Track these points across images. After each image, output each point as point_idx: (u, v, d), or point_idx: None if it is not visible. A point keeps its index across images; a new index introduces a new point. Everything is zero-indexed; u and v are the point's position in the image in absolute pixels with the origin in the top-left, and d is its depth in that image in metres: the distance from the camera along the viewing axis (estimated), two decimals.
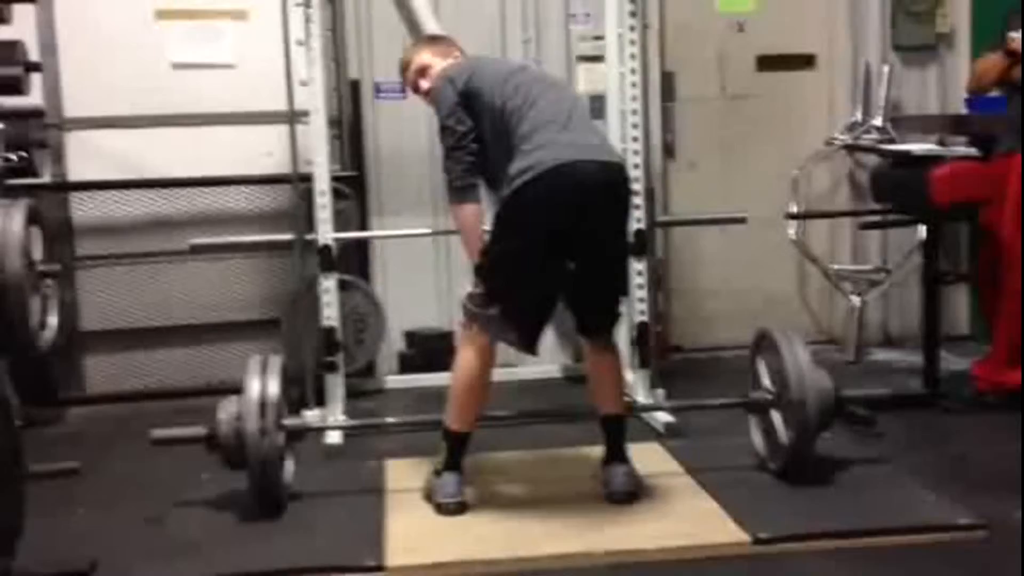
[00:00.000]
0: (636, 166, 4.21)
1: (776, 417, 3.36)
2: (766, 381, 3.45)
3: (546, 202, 3.03)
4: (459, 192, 3.21)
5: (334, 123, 4.79)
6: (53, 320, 3.13)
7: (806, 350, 3.32)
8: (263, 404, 3.13)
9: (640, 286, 4.23)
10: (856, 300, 5.22)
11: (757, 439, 3.50)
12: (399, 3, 4.56)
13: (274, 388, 3.19)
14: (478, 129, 3.19)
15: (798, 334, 3.41)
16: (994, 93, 4.27)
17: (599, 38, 4.73)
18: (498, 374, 4.66)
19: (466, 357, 3.17)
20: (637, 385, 4.25)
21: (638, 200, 4.20)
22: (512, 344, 3.17)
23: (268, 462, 3.12)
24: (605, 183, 3.08)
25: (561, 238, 3.06)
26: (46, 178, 4.54)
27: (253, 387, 3.17)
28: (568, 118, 3.12)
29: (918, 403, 4.18)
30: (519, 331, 3.14)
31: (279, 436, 3.18)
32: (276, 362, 3.28)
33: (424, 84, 3.44)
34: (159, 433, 3.32)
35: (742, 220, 4.51)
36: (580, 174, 3.02)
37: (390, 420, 3.61)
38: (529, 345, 3.19)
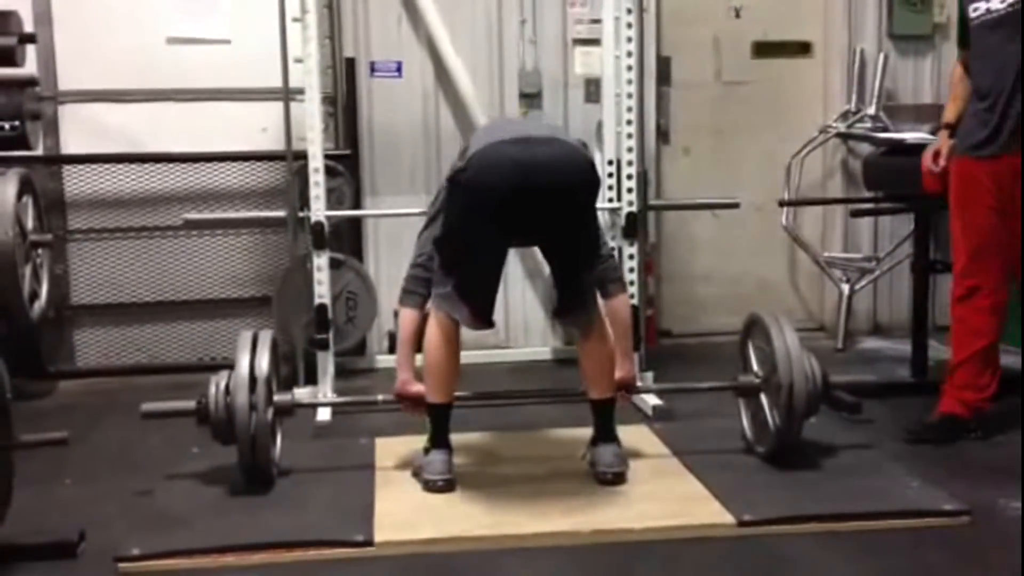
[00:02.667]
0: (630, 150, 4.22)
1: (764, 401, 3.38)
2: (755, 365, 3.47)
3: (479, 188, 2.99)
4: (403, 294, 3.34)
5: (329, 101, 4.79)
6: (44, 291, 3.13)
7: (795, 335, 3.33)
8: (253, 379, 3.14)
9: (631, 270, 4.25)
10: (846, 288, 5.24)
11: (745, 422, 3.52)
12: None
13: (264, 364, 3.20)
14: None
15: (788, 319, 3.43)
16: None
17: (596, 21, 4.73)
18: (489, 355, 4.75)
19: (430, 331, 3.20)
20: None
21: (630, 184, 4.22)
22: (465, 322, 3.16)
23: (257, 437, 3.12)
24: (544, 164, 2.97)
25: (504, 219, 3.02)
26: (39, 150, 4.53)
27: (243, 362, 3.17)
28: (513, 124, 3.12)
29: (905, 391, 4.20)
30: (469, 302, 3.13)
31: (269, 412, 3.19)
32: (266, 338, 3.29)
33: None
34: (149, 406, 3.32)
35: (735, 205, 4.52)
36: (511, 157, 2.96)
37: (380, 398, 3.61)
38: (479, 319, 3.16)
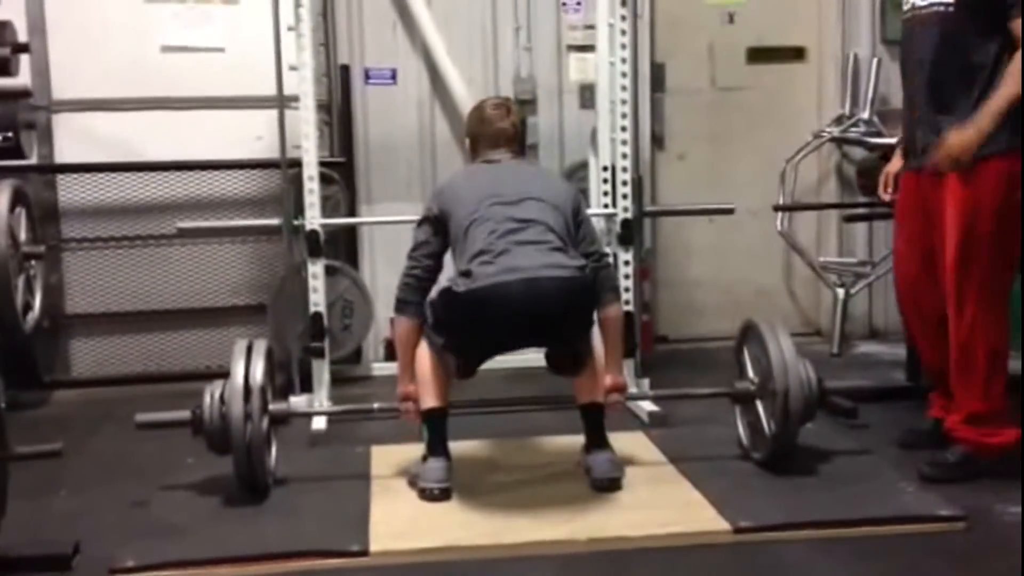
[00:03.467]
0: (625, 156, 4.22)
1: (760, 407, 3.38)
2: (751, 372, 3.47)
3: (477, 318, 3.03)
4: (397, 303, 3.29)
5: (324, 108, 4.79)
6: (38, 302, 3.12)
7: (791, 341, 3.33)
8: (248, 389, 3.14)
9: (627, 276, 4.24)
10: (841, 292, 5.24)
11: (741, 429, 3.52)
12: None
13: (259, 373, 3.19)
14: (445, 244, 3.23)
15: (783, 325, 3.43)
16: None
17: (590, 27, 4.74)
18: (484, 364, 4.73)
19: (419, 352, 3.26)
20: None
21: (625, 190, 4.21)
22: (450, 371, 3.22)
23: (252, 447, 3.12)
24: (543, 301, 3.00)
25: (500, 337, 3.13)
26: (33, 159, 4.53)
27: (238, 371, 3.17)
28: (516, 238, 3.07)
29: (901, 395, 4.20)
30: (458, 363, 3.20)
31: (264, 421, 3.19)
32: (261, 346, 3.28)
33: None
34: (143, 417, 3.32)
35: (729, 211, 4.52)
36: (514, 296, 2.98)
37: (376, 406, 3.60)
38: (465, 376, 3.25)
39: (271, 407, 3.28)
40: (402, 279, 3.29)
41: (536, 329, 3.08)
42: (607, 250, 3.55)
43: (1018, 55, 3.08)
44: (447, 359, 3.20)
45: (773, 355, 3.29)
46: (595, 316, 3.25)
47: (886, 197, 3.61)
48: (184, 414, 3.22)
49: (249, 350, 3.24)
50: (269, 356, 3.30)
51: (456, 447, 3.32)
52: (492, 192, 3.17)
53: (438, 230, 3.23)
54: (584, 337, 3.24)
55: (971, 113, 3.16)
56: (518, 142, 3.42)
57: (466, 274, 3.01)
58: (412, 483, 3.25)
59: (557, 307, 3.02)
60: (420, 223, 3.31)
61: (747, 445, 3.49)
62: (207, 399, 3.18)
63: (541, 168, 3.20)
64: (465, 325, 3.08)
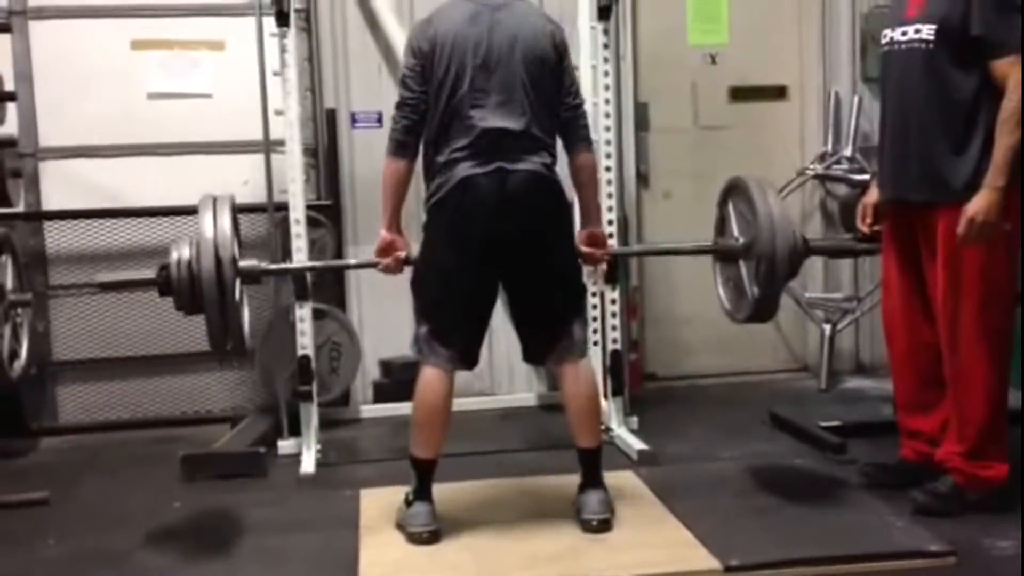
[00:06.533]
0: (610, 195, 4.25)
1: (743, 267, 3.30)
2: (735, 228, 3.37)
3: (460, 216, 3.07)
4: (392, 145, 3.20)
5: (310, 152, 4.81)
6: (25, 349, 3.12)
7: (778, 198, 3.24)
8: (216, 242, 3.00)
9: (614, 314, 4.26)
10: (828, 328, 5.26)
11: (721, 288, 3.45)
12: None
13: (227, 225, 3.04)
14: (429, 89, 3.15)
15: (770, 184, 3.34)
16: None
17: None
18: (473, 402, 4.74)
19: (421, 386, 3.20)
20: (611, 412, 4.26)
21: (611, 229, 4.24)
22: (446, 366, 3.16)
23: (227, 302, 2.98)
24: (520, 191, 3.07)
25: (484, 251, 3.09)
26: (20, 207, 4.53)
27: (206, 224, 3.02)
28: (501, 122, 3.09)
29: (889, 430, 4.20)
30: (447, 347, 3.15)
31: (235, 275, 3.05)
32: (227, 200, 3.14)
33: None
34: (106, 277, 3.23)
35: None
36: (490, 185, 3.04)
37: (352, 261, 3.52)
38: (464, 361, 3.19)
39: (241, 263, 3.13)
40: (396, 123, 3.19)
41: (514, 229, 3.07)
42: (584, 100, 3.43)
43: (1007, 102, 3.09)
44: (439, 352, 3.15)
45: (761, 214, 3.17)
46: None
47: (864, 228, 3.59)
48: (149, 273, 3.08)
49: (215, 203, 3.09)
50: (234, 212, 3.15)
51: (445, 488, 3.31)
52: (480, 45, 3.09)
53: (422, 75, 3.14)
54: (568, 307, 3.22)
55: (951, 145, 3.19)
56: None
57: (442, 165, 3.08)
58: (400, 527, 3.23)
59: (527, 202, 3.06)
60: (404, 73, 3.19)
61: (729, 307, 3.42)
62: (174, 256, 3.03)
63: (523, 11, 3.19)
64: (449, 233, 3.09)
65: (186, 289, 3.01)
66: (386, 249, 3.29)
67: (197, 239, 3.02)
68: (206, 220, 3.03)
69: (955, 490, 3.30)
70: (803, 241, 3.24)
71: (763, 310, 3.25)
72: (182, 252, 3.03)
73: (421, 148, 3.20)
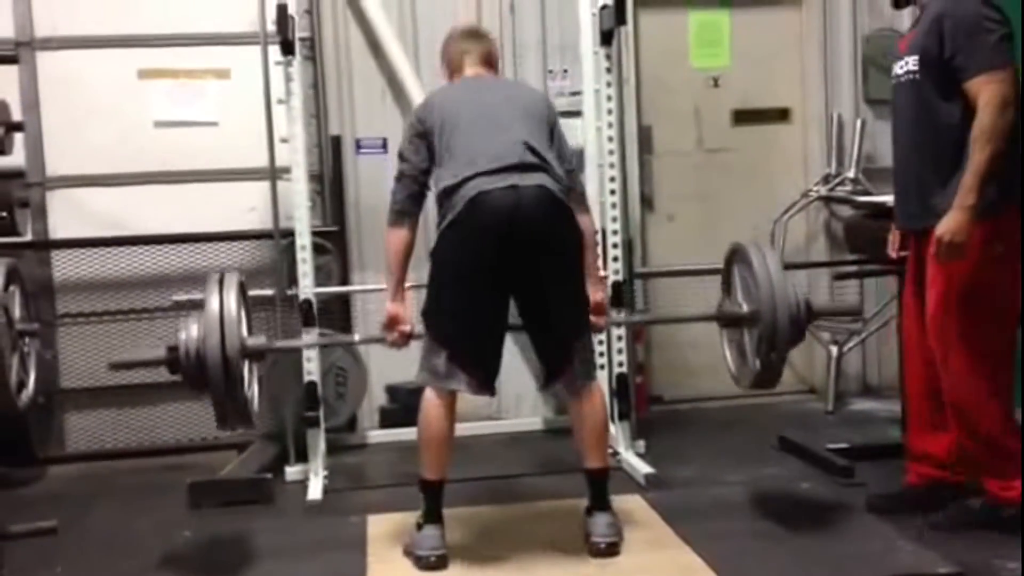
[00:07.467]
0: (615, 219, 4.26)
1: (747, 334, 3.31)
2: (739, 294, 3.38)
3: (467, 237, 3.09)
4: (393, 215, 3.27)
5: (315, 179, 4.84)
6: (32, 378, 3.12)
7: (778, 264, 3.24)
8: (223, 321, 2.97)
9: (619, 338, 4.26)
10: (834, 350, 5.26)
11: (728, 353, 3.45)
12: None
13: (233, 303, 3.02)
14: (434, 141, 3.22)
15: (771, 249, 3.35)
16: None
17: (576, 94, 4.80)
18: (480, 427, 4.74)
19: (425, 407, 3.21)
20: (618, 436, 4.26)
21: (616, 252, 4.25)
22: (465, 390, 3.17)
23: (231, 378, 2.96)
24: (533, 203, 3.08)
25: (498, 265, 3.09)
26: (28, 236, 4.55)
27: (213, 303, 3.00)
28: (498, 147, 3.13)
29: (897, 452, 4.19)
30: (469, 373, 3.16)
31: (241, 353, 3.04)
32: (233, 278, 3.10)
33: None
34: (119, 358, 3.22)
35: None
36: (496, 203, 3.05)
37: (357, 337, 3.53)
38: (483, 386, 3.20)
39: (248, 341, 3.12)
40: (393, 198, 3.26)
41: (524, 247, 3.07)
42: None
43: (977, 120, 3.12)
44: (459, 380, 3.15)
45: (762, 285, 3.17)
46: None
47: (893, 254, 3.65)
48: (159, 352, 3.07)
49: (221, 282, 3.06)
50: (241, 289, 3.14)
51: (452, 513, 3.31)
52: (475, 102, 3.22)
53: (424, 146, 3.23)
54: (578, 330, 3.23)
55: (941, 172, 3.22)
56: (494, 62, 3.47)
57: (452, 189, 3.08)
58: (408, 552, 3.22)
59: (538, 215, 3.06)
60: (403, 145, 3.29)
61: (734, 372, 3.43)
62: (182, 336, 3.01)
63: (518, 82, 3.28)
64: (464, 247, 3.09)
65: (194, 371, 3.01)
66: (391, 324, 3.32)
67: (204, 320, 3.01)
68: (212, 300, 3.02)
69: (986, 508, 3.31)
70: (806, 307, 3.25)
71: (765, 380, 3.28)
72: (190, 331, 3.02)
73: (432, 187, 3.25)
